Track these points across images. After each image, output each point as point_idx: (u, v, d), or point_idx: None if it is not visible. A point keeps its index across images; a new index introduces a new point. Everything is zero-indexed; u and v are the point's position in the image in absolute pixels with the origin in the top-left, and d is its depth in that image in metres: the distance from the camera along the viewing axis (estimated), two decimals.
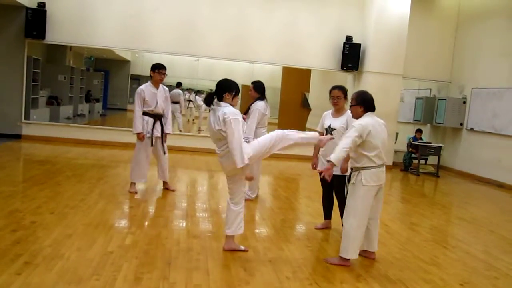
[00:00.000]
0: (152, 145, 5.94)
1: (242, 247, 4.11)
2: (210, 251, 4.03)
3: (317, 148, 5.00)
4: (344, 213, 4.05)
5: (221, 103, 3.85)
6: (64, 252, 3.65)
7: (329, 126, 4.82)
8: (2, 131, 9.82)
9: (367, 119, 3.92)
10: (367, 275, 3.85)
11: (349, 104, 4.19)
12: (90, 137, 10.31)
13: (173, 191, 6.25)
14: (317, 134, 4.25)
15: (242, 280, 3.49)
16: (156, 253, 3.86)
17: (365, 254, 4.25)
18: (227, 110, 3.75)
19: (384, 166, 4.02)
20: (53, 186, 5.97)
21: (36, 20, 9.57)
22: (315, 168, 5.04)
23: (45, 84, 12.46)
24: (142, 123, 5.79)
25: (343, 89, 4.85)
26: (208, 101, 3.95)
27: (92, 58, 19.25)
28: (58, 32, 9.86)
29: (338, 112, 4.86)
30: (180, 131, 12.46)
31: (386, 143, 4.04)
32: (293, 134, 3.89)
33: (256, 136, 5.88)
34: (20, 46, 9.87)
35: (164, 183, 6.32)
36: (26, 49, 9.96)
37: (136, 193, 5.91)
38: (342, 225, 4.15)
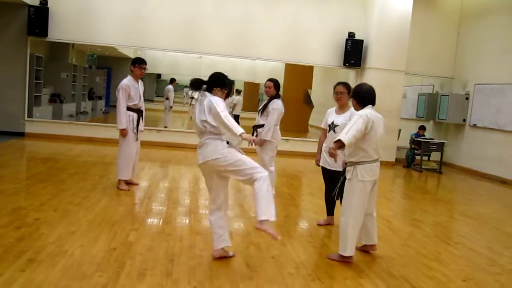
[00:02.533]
0: (136, 139, 5.94)
1: (231, 253, 3.87)
2: (213, 248, 4.04)
3: (320, 144, 5.02)
4: (341, 209, 4.04)
5: (207, 93, 3.61)
6: (68, 249, 3.67)
7: (332, 123, 4.84)
8: (5, 129, 9.85)
9: (369, 111, 3.90)
10: (370, 271, 3.85)
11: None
12: (93, 135, 10.33)
13: (137, 184, 6.23)
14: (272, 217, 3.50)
15: (245, 276, 3.49)
16: (159, 249, 3.87)
17: (365, 248, 4.26)
18: (213, 99, 3.52)
19: (379, 161, 4.00)
20: (57, 183, 5.99)
21: (39, 18, 9.58)
22: (318, 165, 5.06)
23: (47, 81, 12.49)
24: (127, 119, 5.77)
25: (347, 85, 4.87)
26: (197, 85, 3.67)
27: (94, 56, 19.26)
28: (60, 29, 9.87)
29: (341, 108, 4.88)
30: (165, 127, 12.53)
31: (382, 139, 4.01)
32: (261, 194, 3.42)
33: (272, 134, 5.89)
34: (23, 44, 9.89)
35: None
36: (29, 47, 9.98)
37: (128, 189, 5.90)
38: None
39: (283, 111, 5.99)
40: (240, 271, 3.59)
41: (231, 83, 3.70)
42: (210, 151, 3.57)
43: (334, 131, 4.80)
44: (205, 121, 3.54)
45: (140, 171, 7.43)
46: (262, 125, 5.94)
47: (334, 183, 4.90)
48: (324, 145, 4.95)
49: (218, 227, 3.75)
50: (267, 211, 3.41)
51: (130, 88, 5.75)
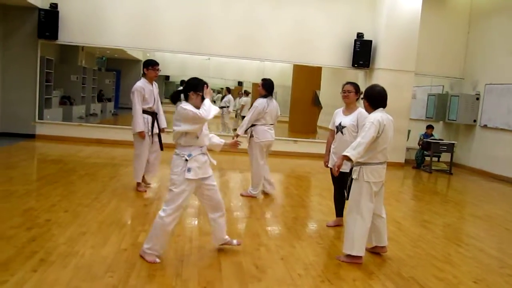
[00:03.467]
0: (152, 142, 5.96)
1: (235, 242, 4.07)
2: (222, 249, 4.04)
3: (328, 145, 5.02)
4: (347, 208, 4.03)
5: (183, 102, 3.58)
6: (79, 250, 3.70)
7: (340, 124, 4.83)
8: (16, 131, 9.96)
9: (381, 114, 3.89)
10: (380, 272, 3.84)
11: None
12: (103, 136, 10.41)
13: (149, 185, 6.26)
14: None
15: (254, 277, 3.50)
16: (169, 250, 3.88)
17: (375, 250, 4.24)
18: (183, 104, 3.52)
19: (386, 163, 4.00)
20: (67, 184, 6.04)
21: (49, 21, 9.68)
22: (327, 166, 5.06)
23: (58, 84, 12.59)
24: (143, 121, 5.78)
25: (355, 85, 4.90)
26: (174, 98, 3.69)
27: (104, 58, 19.39)
28: (70, 32, 9.96)
29: (348, 109, 4.88)
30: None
31: (391, 141, 4.00)
32: (153, 231, 3.66)
33: (257, 133, 5.99)
34: (33, 47, 10.00)
35: (143, 178, 6.20)
36: (39, 50, 10.08)
37: (145, 191, 5.94)
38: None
39: (266, 110, 6.00)
40: (249, 272, 3.59)
41: (204, 84, 3.61)
42: (172, 166, 3.65)
43: (342, 132, 4.79)
44: (178, 128, 3.53)
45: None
46: (250, 127, 6.08)
47: (342, 185, 4.90)
48: (332, 146, 4.95)
49: (221, 228, 3.95)
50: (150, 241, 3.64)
51: (144, 90, 5.76)
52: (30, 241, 3.80)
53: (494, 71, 10.35)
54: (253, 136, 6.05)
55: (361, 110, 4.75)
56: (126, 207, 5.21)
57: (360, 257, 3.96)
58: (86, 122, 13.11)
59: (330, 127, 5.04)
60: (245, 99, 14.58)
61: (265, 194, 6.35)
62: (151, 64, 5.84)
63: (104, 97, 17.33)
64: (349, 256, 3.96)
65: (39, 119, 10.27)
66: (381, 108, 3.95)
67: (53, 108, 11.79)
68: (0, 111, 9.97)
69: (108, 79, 18.12)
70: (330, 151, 5.01)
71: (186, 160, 3.56)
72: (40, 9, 9.64)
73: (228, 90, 15.93)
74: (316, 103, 15.81)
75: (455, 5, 11.46)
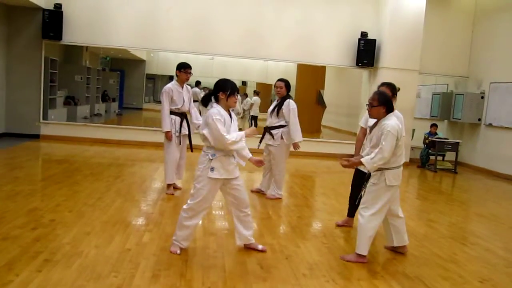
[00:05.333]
0: (180, 143, 5.98)
1: (260, 247, 4.06)
2: (227, 249, 4.04)
3: (359, 144, 4.89)
4: (362, 209, 3.99)
5: (214, 104, 3.75)
6: (83, 250, 3.70)
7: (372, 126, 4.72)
8: (21, 131, 10.00)
9: (396, 119, 3.88)
10: (384, 272, 3.82)
11: (368, 104, 3.96)
12: (107, 136, 10.43)
13: (179, 189, 6.26)
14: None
15: (258, 277, 3.49)
16: None
17: (397, 250, 4.29)
18: (211, 111, 3.65)
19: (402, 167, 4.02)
20: (71, 184, 6.05)
21: (53, 21, 9.71)
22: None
23: (62, 84, 12.65)
24: (170, 122, 5.81)
25: (391, 86, 4.73)
26: (205, 101, 3.85)
27: (108, 58, 19.45)
28: (74, 33, 9.99)
29: None
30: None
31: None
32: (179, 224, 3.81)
33: (286, 134, 5.96)
34: (38, 47, 10.03)
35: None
36: (44, 50, 10.12)
37: (173, 194, 5.94)
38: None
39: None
40: (254, 272, 3.58)
41: (232, 85, 3.75)
42: (198, 161, 3.78)
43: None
44: (204, 134, 3.68)
45: (154, 172, 7.49)
46: (275, 127, 5.97)
47: (362, 185, 4.86)
48: (364, 148, 4.71)
49: (246, 224, 4.00)
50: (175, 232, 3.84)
51: (173, 92, 5.78)
52: (34, 241, 3.81)
53: (499, 69, 10.30)
54: (283, 138, 6.01)
55: (396, 112, 4.27)
56: (131, 207, 5.22)
57: (365, 256, 3.97)
58: (91, 122, 13.14)
59: (362, 125, 4.90)
60: (255, 98, 14.59)
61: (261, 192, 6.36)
62: (183, 67, 5.86)
63: (108, 97, 17.38)
64: (357, 255, 3.96)
65: (43, 119, 10.30)
66: (394, 112, 3.94)
67: (58, 108, 11.83)
68: (5, 112, 10.02)
69: (112, 79, 18.18)
70: (360, 149, 4.82)
71: (210, 159, 3.67)
72: (44, 10, 9.67)
73: (245, 95, 15.90)
74: (320, 103, 15.79)
75: (459, 3, 11.41)
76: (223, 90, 3.70)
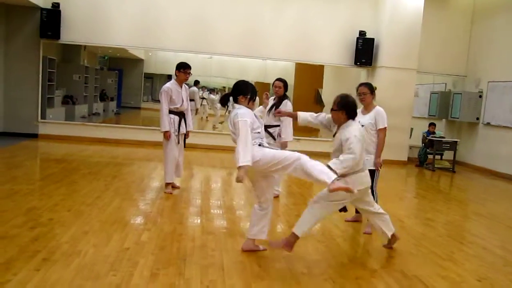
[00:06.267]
0: (178, 142, 5.99)
1: (261, 247, 4.06)
2: (225, 247, 4.05)
3: None
4: (315, 198, 3.88)
5: (236, 104, 3.83)
6: (81, 249, 3.70)
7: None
8: (19, 131, 9.99)
9: (358, 127, 3.83)
10: (383, 271, 3.83)
11: (332, 108, 3.92)
12: (105, 136, 10.42)
13: (178, 188, 6.27)
14: (333, 177, 3.50)
15: (257, 276, 3.49)
16: (172, 249, 3.89)
17: (392, 241, 4.29)
18: (239, 111, 3.71)
19: (367, 170, 3.98)
20: (70, 184, 6.05)
21: (51, 21, 9.69)
22: None
23: (60, 83, 12.62)
24: (169, 121, 5.82)
25: (369, 86, 4.97)
26: (224, 101, 3.97)
27: (106, 57, 19.41)
28: (72, 32, 9.97)
29: (366, 109, 4.97)
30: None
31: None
32: (311, 170, 3.49)
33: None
34: (36, 47, 10.01)
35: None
36: (42, 49, 10.10)
37: (171, 193, 5.94)
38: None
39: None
40: (252, 270, 3.59)
41: (253, 88, 3.84)
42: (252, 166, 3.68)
43: None
44: (233, 132, 3.73)
45: (153, 171, 7.48)
46: (273, 126, 5.98)
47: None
48: None
49: (257, 219, 3.93)
50: (327, 174, 3.49)
51: (172, 91, 5.79)
52: (33, 240, 3.81)
53: (497, 68, 10.31)
54: (280, 136, 6.03)
55: (378, 108, 4.89)
56: (129, 206, 5.22)
57: (296, 238, 3.80)
58: (89, 121, 13.12)
59: None
60: None
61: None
62: (183, 67, 5.88)
63: (107, 96, 17.35)
64: (285, 239, 3.84)
65: (41, 118, 10.29)
66: (355, 119, 3.89)
67: (56, 107, 11.81)
68: (3, 111, 10.00)
69: (110, 78, 18.14)
70: None
71: (259, 144, 3.74)
72: (42, 9, 9.65)
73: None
74: (319, 102, 15.79)
75: (457, 2, 11.42)
76: (244, 94, 3.79)
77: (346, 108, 3.82)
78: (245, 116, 3.66)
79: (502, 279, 3.89)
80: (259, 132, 3.77)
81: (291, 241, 3.80)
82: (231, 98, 3.92)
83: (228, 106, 4.04)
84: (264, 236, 3.98)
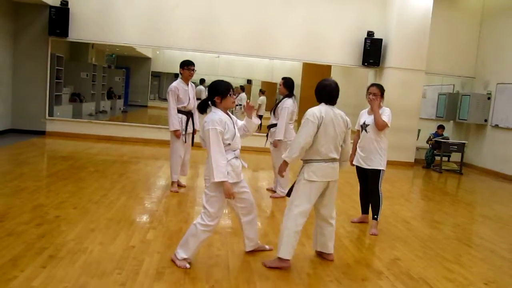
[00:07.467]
0: (185, 141, 5.99)
1: (267, 247, 4.05)
2: (230, 247, 4.04)
3: (355, 145, 5.08)
4: (286, 208, 3.77)
5: (213, 108, 3.51)
6: (87, 246, 3.71)
7: (364, 123, 4.94)
8: (27, 128, 10.04)
9: (321, 107, 3.68)
10: (389, 272, 3.81)
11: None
12: (112, 133, 10.45)
13: (184, 187, 6.28)
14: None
15: (262, 275, 3.49)
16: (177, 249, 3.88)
17: (323, 256, 3.99)
18: (212, 117, 3.39)
19: (336, 163, 3.73)
20: (76, 181, 6.07)
21: (59, 18, 9.73)
22: (353, 164, 5.10)
23: (68, 81, 12.67)
24: (178, 120, 5.82)
25: (381, 88, 4.90)
26: (201, 108, 3.60)
27: (113, 56, 19.47)
28: (80, 30, 10.01)
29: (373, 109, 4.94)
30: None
31: (342, 137, 3.74)
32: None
33: (285, 134, 5.94)
34: (44, 44, 10.06)
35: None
36: (50, 47, 10.15)
37: (177, 191, 5.95)
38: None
39: (295, 110, 6.06)
40: (258, 270, 3.58)
41: (225, 86, 3.49)
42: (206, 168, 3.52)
43: (366, 130, 4.89)
44: (203, 139, 3.47)
45: (158, 170, 7.49)
46: (274, 125, 5.99)
47: (368, 182, 4.95)
48: (358, 144, 5.03)
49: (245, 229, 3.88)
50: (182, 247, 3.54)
51: (179, 90, 5.79)
52: (39, 237, 3.82)
53: (506, 70, 10.22)
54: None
55: (384, 108, 4.86)
56: (135, 204, 5.22)
57: (287, 260, 3.63)
58: (96, 119, 13.14)
59: (355, 128, 5.04)
60: (261, 98, 14.53)
61: (273, 191, 6.35)
62: (186, 64, 5.88)
63: (114, 94, 17.41)
64: (278, 259, 3.64)
65: (49, 116, 10.34)
66: (323, 104, 3.72)
67: (63, 105, 11.86)
68: (11, 108, 10.06)
69: (117, 77, 18.19)
70: (356, 149, 5.05)
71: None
72: (51, 7, 9.68)
73: (242, 89, 15.86)
74: None
75: (466, 3, 11.34)
76: (217, 94, 3.47)
77: (315, 91, 3.82)
78: (216, 124, 3.35)
79: (510, 282, 3.86)
80: (229, 144, 3.44)
81: (283, 264, 3.65)
82: (210, 103, 3.56)
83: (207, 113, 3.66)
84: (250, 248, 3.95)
